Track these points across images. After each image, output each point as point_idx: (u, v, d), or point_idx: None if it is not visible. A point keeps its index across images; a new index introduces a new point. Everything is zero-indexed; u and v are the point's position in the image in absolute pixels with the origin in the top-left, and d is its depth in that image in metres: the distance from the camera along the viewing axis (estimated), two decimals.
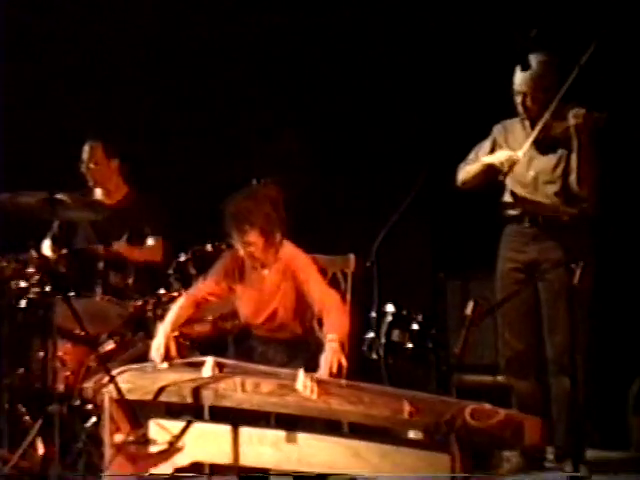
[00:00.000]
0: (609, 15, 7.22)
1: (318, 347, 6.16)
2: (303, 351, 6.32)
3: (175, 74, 8.57)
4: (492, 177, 7.00)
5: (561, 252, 6.79)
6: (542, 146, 6.95)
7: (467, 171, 7.05)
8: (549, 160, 6.97)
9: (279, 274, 6.35)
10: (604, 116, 6.75)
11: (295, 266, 6.31)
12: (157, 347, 6.27)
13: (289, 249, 6.33)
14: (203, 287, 6.49)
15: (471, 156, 7.10)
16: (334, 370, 5.98)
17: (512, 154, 6.90)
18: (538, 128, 6.93)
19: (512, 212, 7.04)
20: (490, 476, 5.92)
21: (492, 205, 7.10)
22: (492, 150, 7.09)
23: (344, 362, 6.02)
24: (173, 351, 6.31)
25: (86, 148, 7.76)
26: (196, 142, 8.45)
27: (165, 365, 6.28)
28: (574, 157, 6.86)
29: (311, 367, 5.99)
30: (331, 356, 6.01)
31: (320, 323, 6.29)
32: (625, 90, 7.35)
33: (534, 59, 6.80)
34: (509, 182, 7.03)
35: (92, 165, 7.73)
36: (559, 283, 6.58)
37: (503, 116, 7.11)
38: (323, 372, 5.97)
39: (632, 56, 7.49)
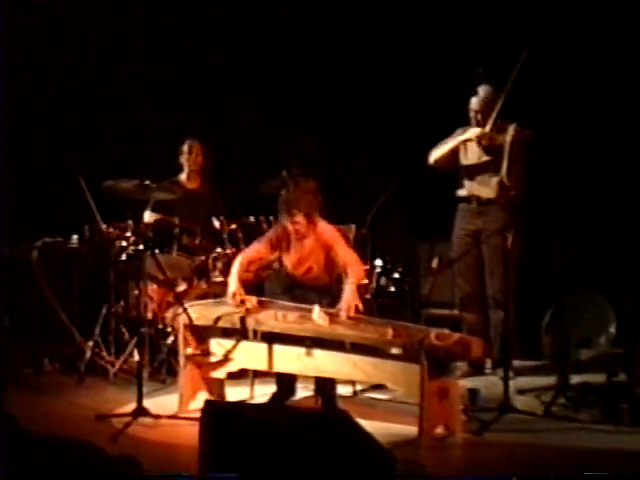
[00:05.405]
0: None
1: (339, 291, 6.03)
2: (329, 293, 6.14)
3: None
4: (455, 160, 6.95)
5: (498, 224, 6.80)
6: (488, 150, 6.94)
7: (440, 150, 6.94)
8: (492, 160, 6.93)
9: (314, 242, 6.17)
10: (533, 134, 6.80)
11: (326, 237, 6.15)
12: (232, 294, 6.11)
13: (322, 224, 6.17)
14: (256, 248, 6.29)
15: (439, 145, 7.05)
16: (351, 313, 5.88)
17: (481, 129, 6.84)
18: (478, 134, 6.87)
19: (463, 195, 7.06)
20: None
21: (450, 191, 7.09)
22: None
23: (360, 306, 5.94)
24: (243, 295, 6.10)
25: (188, 144, 7.63)
26: (240, 147, 8.22)
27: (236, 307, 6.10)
28: (505, 160, 6.87)
29: (334, 304, 5.95)
30: (350, 299, 5.92)
31: (345, 273, 6.08)
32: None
33: (482, 88, 6.88)
34: (464, 175, 7.05)
35: (190, 157, 7.61)
36: (497, 245, 6.66)
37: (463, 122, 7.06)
38: (343, 310, 5.88)
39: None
